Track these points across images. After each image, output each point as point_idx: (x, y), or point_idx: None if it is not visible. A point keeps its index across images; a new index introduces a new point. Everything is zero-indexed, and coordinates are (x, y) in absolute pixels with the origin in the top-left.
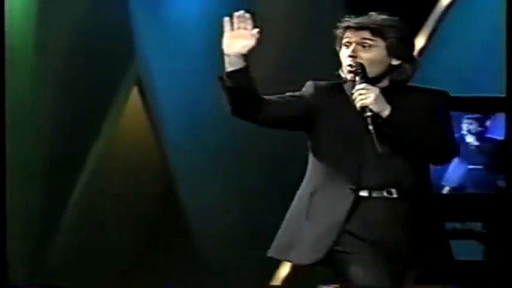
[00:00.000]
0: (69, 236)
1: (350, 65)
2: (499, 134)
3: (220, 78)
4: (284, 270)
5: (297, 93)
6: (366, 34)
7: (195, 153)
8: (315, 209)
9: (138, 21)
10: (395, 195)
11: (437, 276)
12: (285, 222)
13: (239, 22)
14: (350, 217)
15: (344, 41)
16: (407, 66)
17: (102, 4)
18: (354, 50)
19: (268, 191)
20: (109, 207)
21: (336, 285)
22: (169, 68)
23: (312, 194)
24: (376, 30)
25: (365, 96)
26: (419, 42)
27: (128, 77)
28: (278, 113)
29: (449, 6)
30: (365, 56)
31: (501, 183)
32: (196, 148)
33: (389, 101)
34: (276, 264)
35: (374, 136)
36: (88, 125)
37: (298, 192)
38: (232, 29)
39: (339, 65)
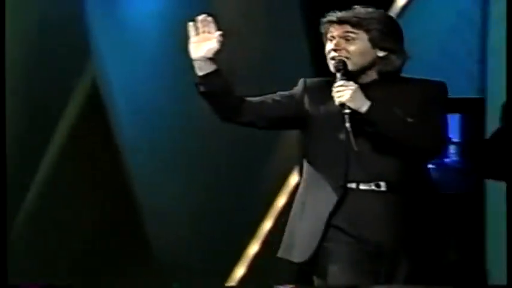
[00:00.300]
0: (22, 236)
1: (333, 58)
2: (455, 136)
3: (196, 84)
4: (240, 270)
5: (287, 92)
6: (349, 27)
7: (152, 153)
8: (308, 206)
9: (94, 22)
10: (383, 188)
11: (430, 276)
12: (287, 222)
13: (203, 26)
14: (337, 211)
15: (328, 35)
16: (393, 57)
17: (56, 4)
18: (338, 43)
19: (224, 192)
20: (65, 206)
21: (291, 286)
22: (125, 69)
23: (305, 193)
24: (358, 23)
25: (342, 93)
26: None
27: (83, 78)
28: (268, 115)
29: (405, 7)
30: (349, 48)
31: (470, 184)
32: (153, 148)
33: (378, 94)
34: (231, 263)
35: (350, 134)
36: (43, 125)
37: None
38: (197, 33)
39: (303, 65)
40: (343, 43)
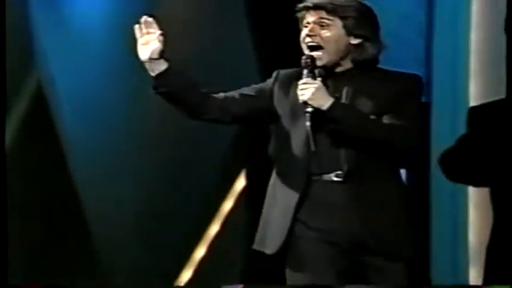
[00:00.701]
0: None
1: (307, 44)
2: None
3: (153, 87)
4: (187, 273)
5: (259, 85)
6: (324, 13)
7: (97, 155)
8: (277, 198)
9: (38, 22)
10: (341, 179)
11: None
12: (262, 213)
13: (145, 27)
14: (302, 204)
15: (304, 22)
16: (367, 45)
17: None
18: (312, 29)
19: (170, 195)
20: (10, 209)
21: (241, 285)
22: (71, 70)
23: (274, 184)
24: (333, 10)
25: (305, 91)
26: None
27: (29, 79)
28: (234, 110)
29: None
30: (323, 35)
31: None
32: (98, 150)
33: (352, 83)
34: (178, 267)
35: (309, 133)
36: None
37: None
38: (141, 35)
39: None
40: (317, 29)
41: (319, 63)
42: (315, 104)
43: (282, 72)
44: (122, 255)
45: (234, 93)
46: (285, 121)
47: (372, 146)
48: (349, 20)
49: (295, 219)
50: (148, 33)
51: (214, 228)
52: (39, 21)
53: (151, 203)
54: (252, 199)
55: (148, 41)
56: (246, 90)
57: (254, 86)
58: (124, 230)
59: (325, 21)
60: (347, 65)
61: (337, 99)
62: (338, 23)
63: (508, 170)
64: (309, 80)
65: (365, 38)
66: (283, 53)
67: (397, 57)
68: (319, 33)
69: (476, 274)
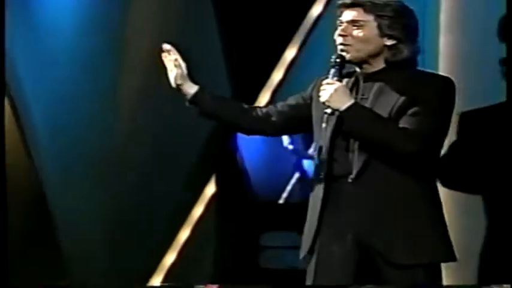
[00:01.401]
0: None
1: (341, 44)
2: None
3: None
4: (157, 278)
5: (299, 94)
6: (359, 12)
7: (68, 161)
8: (309, 204)
9: (6, 26)
10: (352, 182)
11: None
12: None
13: (165, 56)
14: (325, 206)
15: (338, 20)
16: (401, 46)
17: None
18: (344, 28)
19: (140, 201)
20: None
21: (218, 285)
22: (39, 72)
23: (311, 190)
24: (370, 8)
25: (324, 92)
26: (290, 53)
27: None
28: (280, 122)
29: (318, 18)
30: (356, 34)
31: None
32: (69, 156)
33: (381, 84)
34: (147, 270)
35: (324, 134)
36: None
37: None
38: (166, 63)
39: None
40: (350, 29)
41: (348, 58)
42: (333, 105)
43: (321, 78)
44: (92, 262)
45: (276, 104)
46: (316, 125)
47: (377, 149)
48: (385, 20)
49: (320, 223)
50: (169, 60)
51: (184, 235)
52: (7, 23)
53: (122, 210)
54: (222, 205)
55: (172, 68)
56: (287, 100)
57: (296, 95)
58: (94, 237)
59: (359, 21)
60: (379, 65)
61: (356, 101)
62: (372, 23)
63: (495, 173)
64: (331, 80)
65: (399, 40)
66: (253, 54)
67: None
68: (351, 32)
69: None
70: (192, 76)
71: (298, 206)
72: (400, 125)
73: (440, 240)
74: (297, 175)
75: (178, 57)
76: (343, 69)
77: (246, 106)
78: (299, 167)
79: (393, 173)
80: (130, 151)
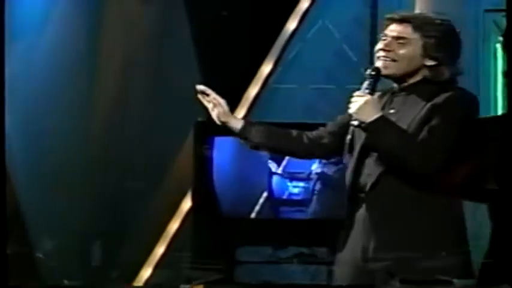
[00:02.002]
0: None
1: (382, 58)
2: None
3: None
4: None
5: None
6: (407, 29)
7: (37, 166)
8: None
9: None
10: (365, 196)
11: None
12: None
13: (203, 97)
14: (348, 219)
15: (382, 34)
16: (442, 68)
17: None
18: (388, 44)
19: (116, 215)
20: None
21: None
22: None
23: None
24: (417, 26)
25: (352, 104)
26: (266, 68)
27: None
28: (331, 143)
29: (293, 33)
30: (399, 51)
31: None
32: (38, 161)
33: (409, 98)
34: (127, 278)
35: (346, 146)
36: None
37: None
38: (206, 104)
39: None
40: (394, 44)
41: (386, 72)
42: (360, 117)
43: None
44: (66, 275)
45: (327, 126)
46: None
47: (395, 163)
48: (431, 40)
49: (344, 235)
50: (208, 100)
51: (160, 250)
52: None
53: (98, 223)
54: (198, 219)
55: (212, 108)
56: (337, 120)
57: (346, 114)
58: (68, 250)
59: (405, 38)
60: (416, 78)
61: (383, 115)
62: (418, 41)
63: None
64: (362, 93)
65: (441, 62)
66: (228, 70)
67: (340, 78)
68: (394, 48)
69: None
70: (171, 95)
71: (269, 222)
72: (420, 139)
73: (457, 259)
74: (265, 193)
75: (215, 95)
76: (377, 83)
77: (294, 132)
78: (268, 184)
79: (407, 188)
80: (105, 164)
